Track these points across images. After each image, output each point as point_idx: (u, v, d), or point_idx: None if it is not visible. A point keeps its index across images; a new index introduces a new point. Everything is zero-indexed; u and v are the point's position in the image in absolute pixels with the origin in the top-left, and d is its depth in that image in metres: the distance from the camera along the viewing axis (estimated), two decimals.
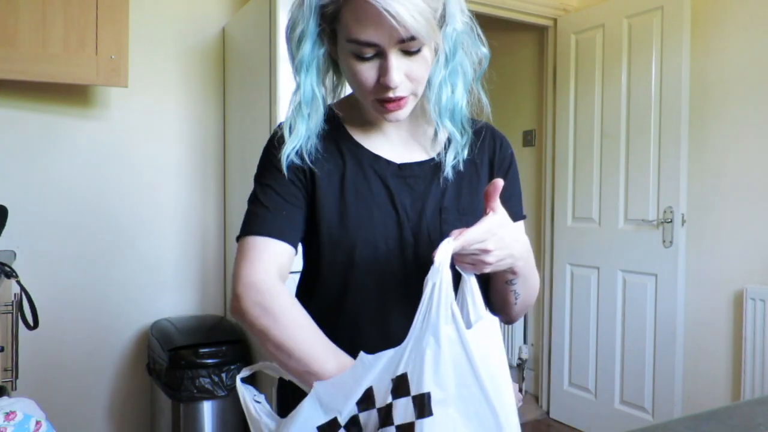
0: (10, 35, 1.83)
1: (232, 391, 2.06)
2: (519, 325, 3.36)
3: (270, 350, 0.76)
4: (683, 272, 2.53)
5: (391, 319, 0.84)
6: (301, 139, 0.84)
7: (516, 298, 0.87)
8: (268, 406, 0.79)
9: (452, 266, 0.73)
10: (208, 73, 2.47)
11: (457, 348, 0.65)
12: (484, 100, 0.88)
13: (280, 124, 0.91)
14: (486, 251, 0.71)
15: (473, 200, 0.88)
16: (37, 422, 1.02)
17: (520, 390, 3.15)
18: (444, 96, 0.83)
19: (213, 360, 2.04)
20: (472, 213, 0.87)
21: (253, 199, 0.87)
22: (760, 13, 2.31)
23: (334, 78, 0.88)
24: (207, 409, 2.07)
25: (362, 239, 0.84)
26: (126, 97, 2.28)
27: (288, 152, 0.83)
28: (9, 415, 0.99)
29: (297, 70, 0.82)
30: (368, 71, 0.77)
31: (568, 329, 3.00)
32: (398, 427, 0.63)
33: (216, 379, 2.03)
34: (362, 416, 0.66)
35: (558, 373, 3.05)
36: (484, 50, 0.86)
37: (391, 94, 0.78)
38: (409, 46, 0.75)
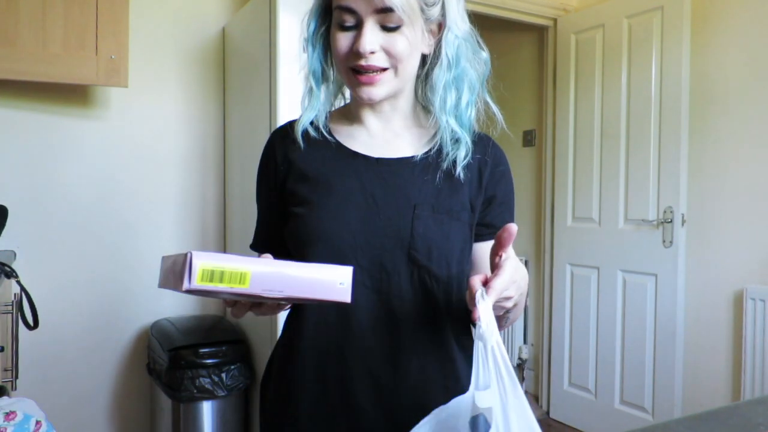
0: (10, 35, 1.83)
1: (232, 391, 2.06)
2: (519, 325, 3.36)
3: None
4: (683, 272, 2.53)
5: (355, 308, 0.83)
6: (316, 111, 0.88)
7: (505, 322, 0.88)
8: None
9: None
10: (208, 73, 2.47)
11: (525, 398, 0.65)
12: (494, 108, 0.89)
13: (274, 131, 0.95)
14: (508, 299, 0.71)
15: (450, 201, 0.87)
16: (37, 422, 1.02)
17: None
18: (449, 100, 0.85)
19: (213, 360, 2.04)
20: (446, 213, 0.86)
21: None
22: (760, 12, 2.31)
23: None
24: (207, 409, 2.07)
25: (329, 231, 0.83)
26: (126, 97, 2.28)
27: (304, 123, 0.88)
28: (9, 415, 1.00)
29: (305, 47, 0.87)
30: (345, 39, 0.80)
31: (568, 329, 3.00)
32: None
33: (216, 379, 2.03)
34: None
35: (558, 373, 3.05)
36: (484, 55, 0.87)
37: (362, 62, 0.80)
38: (387, 20, 0.78)
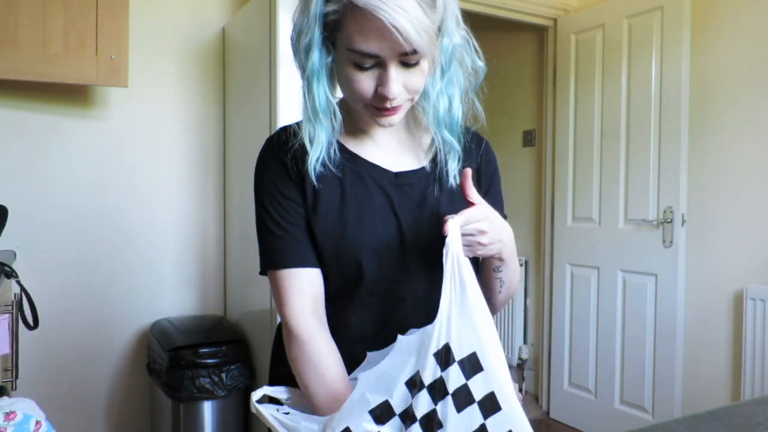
0: (10, 35, 1.83)
1: (232, 391, 2.06)
2: (519, 325, 3.36)
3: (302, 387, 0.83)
4: (683, 272, 2.53)
5: (389, 320, 0.85)
6: (324, 148, 0.83)
7: (501, 286, 0.90)
8: (299, 413, 0.79)
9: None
10: (208, 73, 2.47)
11: (481, 305, 0.69)
12: (479, 108, 0.89)
13: (271, 136, 0.92)
14: (482, 232, 0.76)
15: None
16: (37, 422, 1.02)
17: (520, 390, 3.15)
18: (441, 107, 0.84)
19: (213, 360, 2.04)
20: None
21: (262, 227, 0.88)
22: (760, 13, 2.31)
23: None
24: (207, 409, 2.07)
25: (368, 248, 0.84)
26: (126, 97, 2.28)
27: (313, 163, 0.83)
28: (9, 415, 0.99)
29: (308, 79, 0.82)
30: (367, 81, 0.77)
31: (568, 329, 3.00)
32: (454, 394, 0.66)
33: (216, 379, 2.03)
34: (413, 402, 0.68)
35: (558, 373, 3.05)
36: (480, 63, 0.86)
37: (387, 104, 0.78)
38: (408, 59, 0.76)
